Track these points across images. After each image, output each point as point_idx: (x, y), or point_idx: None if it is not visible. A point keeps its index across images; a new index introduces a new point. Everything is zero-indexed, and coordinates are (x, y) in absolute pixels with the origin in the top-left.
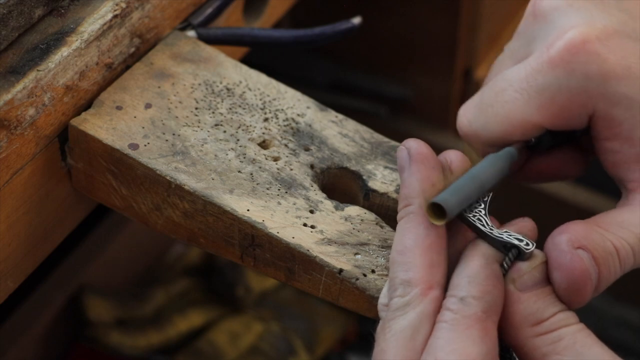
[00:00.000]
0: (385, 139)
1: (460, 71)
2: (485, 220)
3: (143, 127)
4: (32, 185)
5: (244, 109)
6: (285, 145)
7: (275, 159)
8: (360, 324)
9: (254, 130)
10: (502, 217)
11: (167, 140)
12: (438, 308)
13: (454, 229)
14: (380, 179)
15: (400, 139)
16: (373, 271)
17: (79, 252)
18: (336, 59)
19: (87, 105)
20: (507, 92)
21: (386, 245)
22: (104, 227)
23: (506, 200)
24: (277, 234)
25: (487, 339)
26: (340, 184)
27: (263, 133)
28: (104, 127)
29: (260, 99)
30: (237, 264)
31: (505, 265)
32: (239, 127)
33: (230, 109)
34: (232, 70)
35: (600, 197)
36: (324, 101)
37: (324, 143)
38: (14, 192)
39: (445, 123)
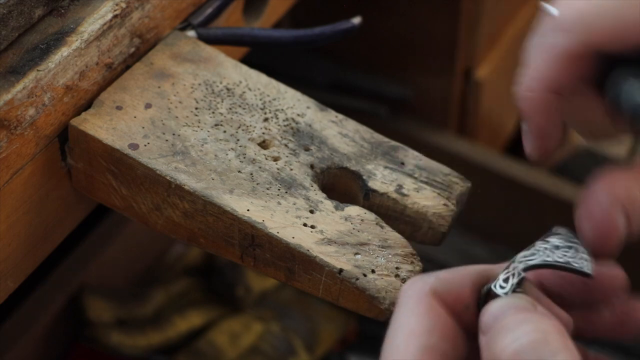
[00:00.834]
0: (385, 139)
1: (460, 71)
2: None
3: (143, 127)
4: (32, 185)
5: (244, 109)
6: (285, 145)
7: (275, 159)
8: (360, 324)
9: (254, 130)
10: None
11: (167, 140)
12: None
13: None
14: (380, 179)
15: (400, 139)
16: (373, 271)
17: (79, 252)
18: (336, 59)
19: (87, 105)
20: None
21: (386, 245)
22: (104, 227)
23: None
24: (277, 234)
25: None
26: (340, 184)
27: (263, 133)
28: (104, 127)
29: (260, 99)
30: (237, 264)
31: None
32: (239, 127)
33: (230, 109)
34: (232, 70)
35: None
36: (324, 101)
37: (324, 143)
38: (14, 192)
39: (445, 123)
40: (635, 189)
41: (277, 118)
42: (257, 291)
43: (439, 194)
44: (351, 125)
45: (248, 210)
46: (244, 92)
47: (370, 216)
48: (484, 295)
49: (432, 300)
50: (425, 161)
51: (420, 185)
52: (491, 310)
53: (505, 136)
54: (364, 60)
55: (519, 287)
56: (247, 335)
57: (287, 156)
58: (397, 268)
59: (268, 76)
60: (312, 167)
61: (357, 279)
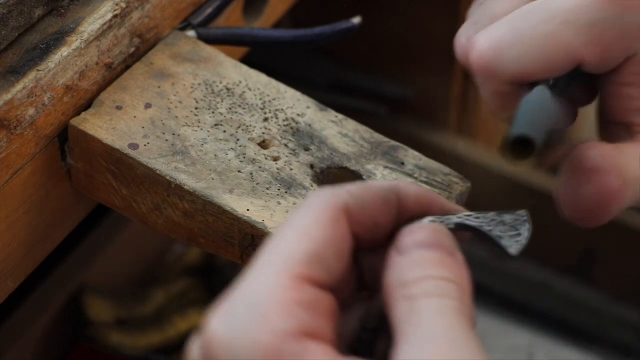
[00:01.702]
0: (385, 139)
1: (460, 71)
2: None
3: (143, 127)
4: (32, 185)
5: (244, 109)
6: (285, 145)
7: (275, 159)
8: None
9: (254, 130)
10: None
11: (167, 140)
12: None
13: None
14: (380, 179)
15: (400, 139)
16: None
17: (79, 252)
18: (336, 59)
19: (87, 105)
20: (550, 25)
21: None
22: (104, 227)
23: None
24: None
25: None
26: (340, 184)
27: (263, 133)
28: (104, 127)
29: (260, 99)
30: (237, 264)
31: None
32: (239, 127)
33: (230, 109)
34: (232, 70)
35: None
36: (324, 101)
37: (324, 143)
38: (14, 192)
39: (445, 123)
40: (622, 156)
41: (277, 118)
42: None
43: (439, 194)
44: (351, 125)
45: (248, 210)
46: (244, 92)
47: None
48: (408, 220)
49: (340, 214)
50: (425, 161)
51: (420, 185)
52: (418, 235)
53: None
54: (364, 60)
55: None
56: None
57: (287, 156)
58: None
59: (268, 76)
60: (312, 167)
61: None
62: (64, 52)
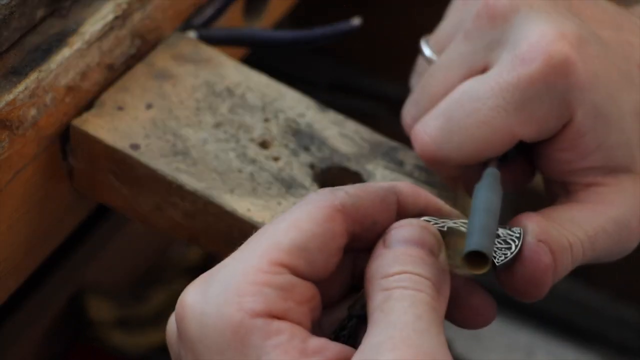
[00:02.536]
0: (385, 139)
1: None
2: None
3: (144, 128)
4: (34, 185)
5: (244, 109)
6: (286, 146)
7: (276, 159)
8: None
9: (254, 131)
10: None
11: (168, 141)
12: None
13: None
14: (380, 179)
15: (400, 139)
16: None
17: (79, 252)
18: (336, 59)
19: (89, 106)
20: (482, 112)
21: None
22: (104, 227)
23: None
24: None
25: None
26: (340, 184)
27: (263, 133)
28: (105, 127)
29: (261, 100)
30: None
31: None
32: (239, 128)
33: (230, 109)
34: (232, 71)
35: None
36: (324, 101)
37: (324, 143)
38: (15, 192)
39: None
40: (552, 228)
41: (278, 118)
42: None
43: (438, 194)
44: (351, 125)
45: (249, 210)
46: (244, 93)
47: None
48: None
49: (335, 213)
50: None
51: (420, 185)
52: (404, 231)
53: None
54: (364, 60)
55: None
56: None
57: (287, 156)
58: None
59: (268, 77)
60: (312, 167)
61: None
62: (65, 53)
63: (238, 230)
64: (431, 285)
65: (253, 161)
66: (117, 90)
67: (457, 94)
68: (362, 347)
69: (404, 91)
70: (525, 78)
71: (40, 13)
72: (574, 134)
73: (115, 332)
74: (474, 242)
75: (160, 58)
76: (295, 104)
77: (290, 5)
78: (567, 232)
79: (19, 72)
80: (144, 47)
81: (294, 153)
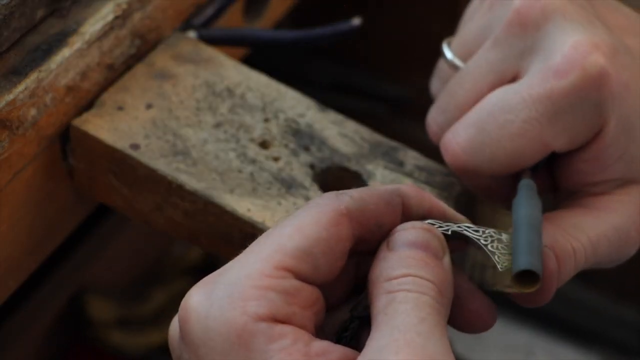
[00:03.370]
0: (385, 139)
1: None
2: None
3: (144, 128)
4: (34, 185)
5: (244, 109)
6: (286, 146)
7: (276, 159)
8: None
9: (254, 131)
10: None
11: (168, 141)
12: None
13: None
14: (380, 179)
15: (400, 139)
16: None
17: (79, 252)
18: (336, 59)
19: (89, 106)
20: (515, 124)
21: None
22: (104, 227)
23: None
24: None
25: None
26: (340, 184)
27: (263, 133)
28: (105, 127)
29: (261, 100)
30: None
31: None
32: (239, 128)
33: (230, 109)
34: (232, 71)
35: None
36: (324, 101)
37: (324, 143)
38: (15, 192)
39: None
40: (557, 233)
41: (278, 118)
42: None
43: (438, 194)
44: (351, 125)
45: (249, 210)
46: (244, 93)
47: None
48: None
49: (341, 218)
50: (425, 161)
51: (420, 185)
52: (408, 234)
53: None
54: (364, 60)
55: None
56: None
57: (287, 156)
58: None
59: (268, 77)
60: (312, 167)
61: None
62: (65, 52)
63: (238, 230)
64: (435, 288)
65: (253, 161)
66: (117, 90)
67: (488, 105)
68: (365, 349)
69: (404, 91)
70: (559, 90)
71: (40, 13)
72: (600, 144)
73: (115, 332)
74: (523, 262)
75: (160, 58)
76: (295, 104)
77: (290, 5)
78: (571, 238)
79: (19, 72)
80: (144, 47)
81: (294, 153)
